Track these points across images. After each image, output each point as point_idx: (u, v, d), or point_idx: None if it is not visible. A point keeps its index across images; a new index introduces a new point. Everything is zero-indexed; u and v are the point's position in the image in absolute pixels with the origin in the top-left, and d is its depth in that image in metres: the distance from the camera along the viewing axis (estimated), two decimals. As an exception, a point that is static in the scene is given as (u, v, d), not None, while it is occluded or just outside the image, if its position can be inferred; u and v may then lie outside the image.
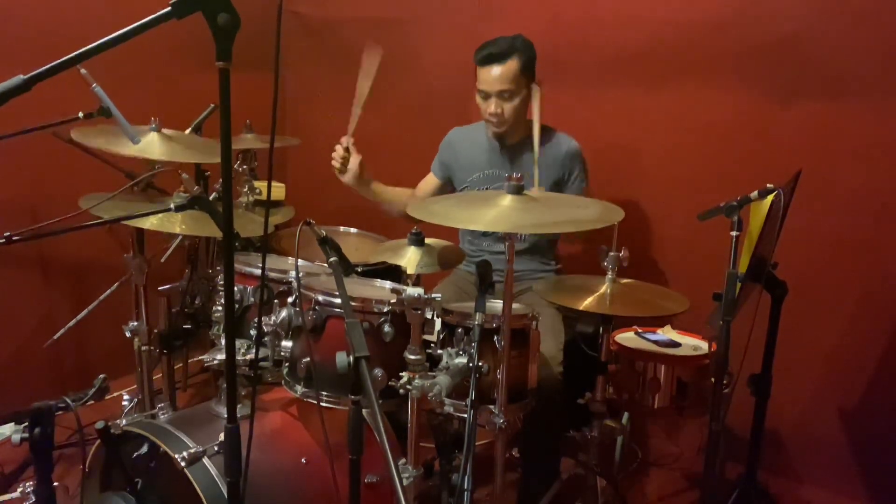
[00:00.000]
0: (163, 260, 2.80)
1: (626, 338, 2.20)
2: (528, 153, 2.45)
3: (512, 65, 2.31)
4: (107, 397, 1.58)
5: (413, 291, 1.58)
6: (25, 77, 0.91)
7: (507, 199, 1.68)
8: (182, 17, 0.98)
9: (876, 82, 2.34)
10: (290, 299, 1.79)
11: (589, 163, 2.50)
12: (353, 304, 1.48)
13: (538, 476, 2.24)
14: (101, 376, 1.53)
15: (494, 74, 2.32)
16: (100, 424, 1.61)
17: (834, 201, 2.43)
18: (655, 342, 2.16)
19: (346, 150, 2.50)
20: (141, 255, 2.15)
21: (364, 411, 1.45)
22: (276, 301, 1.87)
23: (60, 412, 1.42)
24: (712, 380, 1.87)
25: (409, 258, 1.88)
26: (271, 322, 1.79)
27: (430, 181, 2.67)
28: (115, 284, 2.71)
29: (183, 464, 1.54)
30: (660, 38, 2.69)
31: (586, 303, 1.98)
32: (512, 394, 1.72)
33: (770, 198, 1.80)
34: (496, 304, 1.79)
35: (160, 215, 1.90)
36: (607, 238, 2.02)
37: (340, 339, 1.64)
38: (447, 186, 2.64)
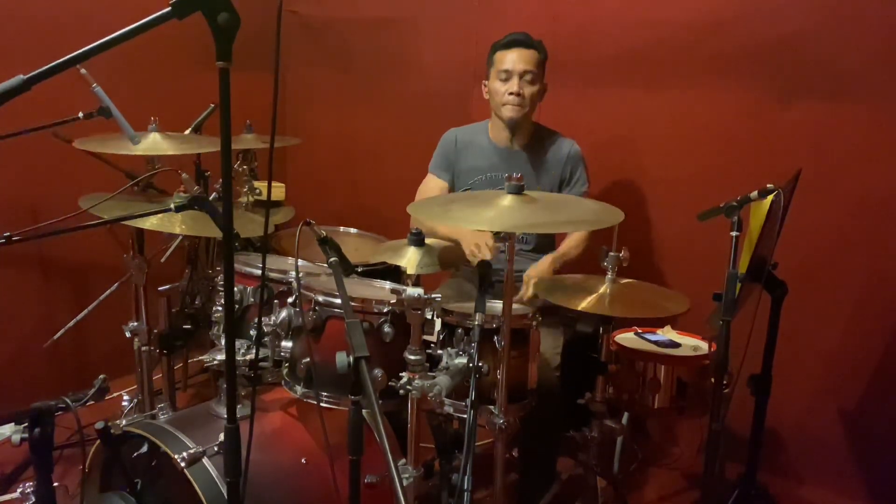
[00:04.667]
0: (163, 260, 2.80)
1: (626, 338, 2.20)
2: (531, 158, 2.45)
3: (534, 53, 2.37)
4: (107, 397, 1.57)
5: (413, 291, 1.58)
6: (25, 77, 0.91)
7: (507, 200, 1.67)
8: (182, 17, 0.98)
9: (876, 82, 2.34)
10: (290, 299, 1.79)
11: (589, 162, 2.50)
12: (353, 304, 1.48)
13: (537, 476, 2.24)
14: (102, 376, 1.53)
15: (520, 55, 2.36)
16: (100, 425, 1.61)
17: (834, 201, 2.43)
18: (655, 342, 2.16)
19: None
20: (141, 255, 2.15)
21: (364, 411, 1.45)
22: (276, 301, 1.87)
23: (60, 412, 1.42)
24: (712, 380, 1.87)
25: (409, 258, 1.88)
26: (271, 322, 1.79)
27: (438, 185, 2.56)
28: (115, 284, 2.71)
29: (183, 464, 1.54)
30: (660, 38, 2.69)
31: (585, 303, 1.98)
32: (512, 394, 1.72)
33: (770, 198, 1.80)
34: (496, 304, 1.79)
35: (160, 215, 1.90)
36: (607, 238, 2.02)
37: (340, 340, 1.64)
38: (452, 189, 2.60)
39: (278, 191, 2.71)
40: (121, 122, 2.04)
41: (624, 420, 2.42)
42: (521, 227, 1.84)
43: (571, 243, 2.46)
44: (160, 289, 2.29)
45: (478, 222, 1.70)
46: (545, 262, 2.36)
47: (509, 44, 2.38)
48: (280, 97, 1.27)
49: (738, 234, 1.80)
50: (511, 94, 2.35)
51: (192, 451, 1.57)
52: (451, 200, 1.89)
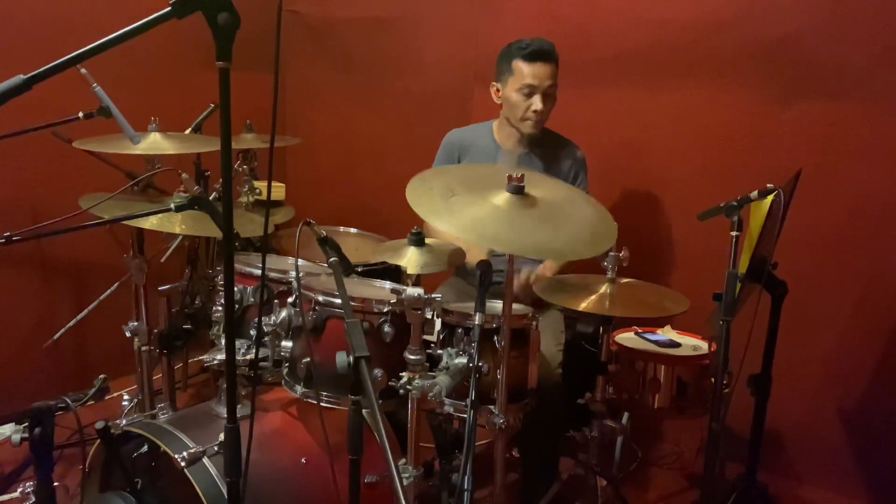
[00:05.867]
0: (163, 260, 2.80)
1: (626, 338, 2.20)
2: (537, 162, 2.45)
3: (555, 65, 2.32)
4: (107, 397, 1.57)
5: (413, 291, 1.58)
6: (25, 77, 0.91)
7: (505, 201, 1.65)
8: (182, 17, 0.98)
9: (876, 82, 2.34)
10: (290, 299, 1.79)
11: (588, 162, 2.51)
12: (353, 304, 1.48)
13: (538, 476, 2.24)
14: (102, 376, 1.53)
15: (545, 71, 2.28)
16: (100, 424, 1.61)
17: (834, 201, 2.43)
18: (655, 342, 2.16)
19: None
20: (141, 255, 2.15)
21: (364, 411, 1.45)
22: (276, 301, 1.87)
23: (60, 412, 1.42)
24: (712, 380, 1.87)
25: (409, 258, 1.88)
26: (271, 322, 1.79)
27: None
28: (115, 284, 2.71)
29: (183, 464, 1.54)
30: (660, 38, 2.69)
31: (586, 304, 1.98)
32: (512, 394, 1.72)
33: (770, 198, 1.80)
34: (496, 304, 1.79)
35: (160, 215, 1.90)
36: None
37: (340, 339, 1.64)
38: None
39: (278, 191, 2.71)
40: (121, 122, 2.04)
41: (624, 420, 2.41)
42: (515, 248, 1.63)
43: None
44: (160, 289, 2.29)
45: (475, 236, 1.58)
46: (544, 269, 2.37)
47: (533, 55, 2.27)
48: (280, 97, 1.27)
49: (738, 234, 1.80)
50: (535, 111, 2.29)
51: (192, 451, 1.56)
52: (453, 192, 1.77)
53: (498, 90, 2.40)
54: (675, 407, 2.07)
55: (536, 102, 2.29)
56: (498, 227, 1.59)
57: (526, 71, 2.28)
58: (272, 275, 1.89)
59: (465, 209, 1.61)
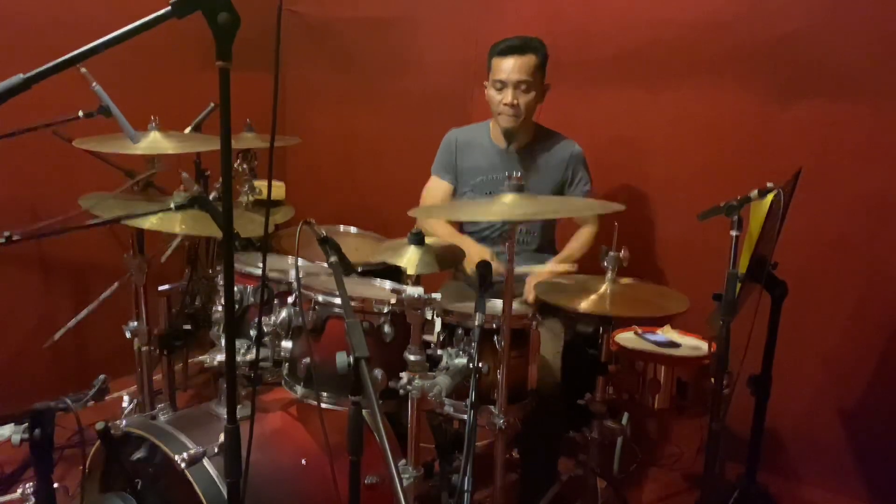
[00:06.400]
0: (163, 260, 2.80)
1: (626, 338, 2.20)
2: (531, 160, 2.45)
3: (531, 59, 2.33)
4: (107, 398, 1.57)
5: (413, 291, 1.58)
6: (25, 76, 0.91)
7: (509, 198, 1.67)
8: (182, 17, 0.98)
9: (876, 82, 2.34)
10: (290, 299, 1.79)
11: (589, 162, 2.50)
12: (353, 304, 1.48)
13: (538, 477, 2.24)
14: (102, 376, 1.53)
15: (514, 64, 2.31)
16: (100, 425, 1.61)
17: (834, 201, 2.43)
18: (655, 342, 2.15)
19: None
20: (141, 255, 2.15)
21: (364, 412, 1.45)
22: (276, 301, 1.87)
23: (60, 412, 1.42)
24: (712, 380, 1.87)
25: (409, 258, 1.88)
26: (271, 322, 1.79)
27: (442, 187, 2.56)
28: (115, 284, 2.71)
29: (183, 465, 1.54)
30: (660, 38, 2.69)
31: (586, 304, 1.98)
32: (512, 394, 1.71)
33: (770, 197, 1.80)
34: (496, 304, 1.79)
35: (160, 215, 1.90)
36: (607, 238, 2.01)
37: (340, 340, 1.64)
38: (456, 189, 2.59)
39: (278, 190, 2.71)
40: (121, 121, 2.04)
41: (624, 420, 2.41)
42: (523, 215, 1.77)
43: (575, 245, 2.47)
44: (160, 289, 2.29)
45: (483, 214, 1.66)
46: (547, 268, 2.37)
47: (504, 51, 2.33)
48: (280, 97, 1.27)
49: (738, 233, 1.80)
50: (505, 104, 2.33)
51: (192, 452, 1.56)
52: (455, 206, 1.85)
53: (486, 87, 2.44)
54: (675, 407, 2.07)
55: (507, 96, 2.33)
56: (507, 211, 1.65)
57: (497, 66, 2.35)
58: (272, 275, 1.89)
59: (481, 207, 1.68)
